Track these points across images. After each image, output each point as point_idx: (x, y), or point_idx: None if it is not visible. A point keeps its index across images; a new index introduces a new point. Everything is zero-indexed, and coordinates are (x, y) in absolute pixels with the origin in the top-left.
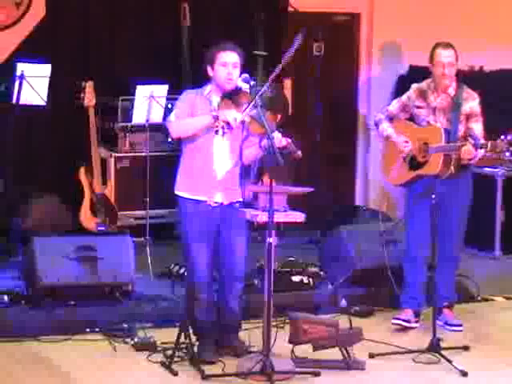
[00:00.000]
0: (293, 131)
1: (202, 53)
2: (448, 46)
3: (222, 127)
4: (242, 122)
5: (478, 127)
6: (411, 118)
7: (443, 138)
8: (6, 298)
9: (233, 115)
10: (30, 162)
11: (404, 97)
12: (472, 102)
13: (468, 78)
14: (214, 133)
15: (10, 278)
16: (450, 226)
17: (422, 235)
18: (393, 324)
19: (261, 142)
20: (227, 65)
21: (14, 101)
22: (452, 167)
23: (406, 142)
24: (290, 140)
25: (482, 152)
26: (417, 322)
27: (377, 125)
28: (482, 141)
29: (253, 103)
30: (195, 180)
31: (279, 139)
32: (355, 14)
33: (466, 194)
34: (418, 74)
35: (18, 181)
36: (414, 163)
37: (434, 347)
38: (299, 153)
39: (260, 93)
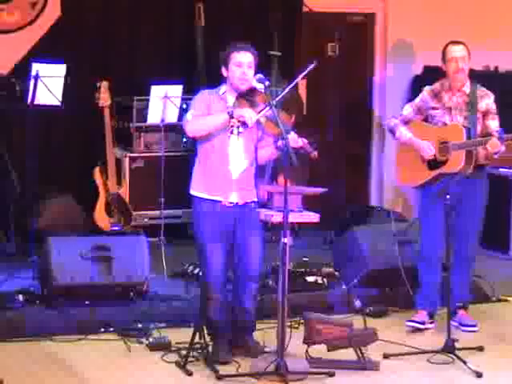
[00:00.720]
0: (308, 131)
1: (216, 53)
2: (458, 42)
3: (238, 127)
4: (258, 123)
5: (494, 124)
6: (425, 120)
7: (464, 135)
8: (21, 297)
9: (249, 114)
10: (46, 163)
11: (417, 100)
12: (487, 100)
13: (483, 78)
14: (229, 133)
15: (26, 277)
16: (465, 227)
17: (436, 235)
18: (407, 326)
19: (276, 143)
20: (242, 65)
21: (29, 101)
22: (472, 166)
23: (430, 146)
24: (306, 140)
25: (503, 148)
26: (431, 323)
27: (392, 131)
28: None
29: (269, 105)
30: (210, 180)
31: (295, 139)
32: (370, 14)
33: (482, 195)
34: (432, 73)
35: (34, 181)
36: (432, 163)
37: (449, 348)
38: (315, 153)
39: (277, 98)
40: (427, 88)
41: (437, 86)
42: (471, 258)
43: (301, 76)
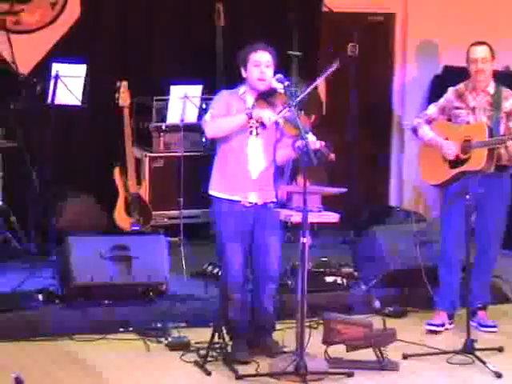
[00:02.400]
0: (328, 131)
1: (236, 53)
2: (481, 43)
3: (256, 127)
4: (276, 123)
5: None
6: (449, 120)
7: (487, 133)
8: (40, 297)
9: (267, 114)
10: (65, 162)
11: (442, 100)
12: None
13: (503, 79)
14: (248, 133)
15: (46, 277)
16: (488, 227)
17: (457, 235)
18: (427, 330)
19: (294, 144)
20: (260, 64)
21: (49, 101)
22: (493, 164)
23: (451, 146)
24: (323, 143)
25: None
26: (451, 323)
27: (415, 130)
28: None
29: (287, 107)
30: (230, 180)
31: (313, 142)
32: (390, 14)
33: (504, 195)
34: (452, 74)
35: (53, 180)
36: (454, 161)
37: (468, 348)
38: (332, 155)
39: (296, 100)
40: (452, 88)
41: (461, 86)
42: (493, 259)
43: (323, 76)
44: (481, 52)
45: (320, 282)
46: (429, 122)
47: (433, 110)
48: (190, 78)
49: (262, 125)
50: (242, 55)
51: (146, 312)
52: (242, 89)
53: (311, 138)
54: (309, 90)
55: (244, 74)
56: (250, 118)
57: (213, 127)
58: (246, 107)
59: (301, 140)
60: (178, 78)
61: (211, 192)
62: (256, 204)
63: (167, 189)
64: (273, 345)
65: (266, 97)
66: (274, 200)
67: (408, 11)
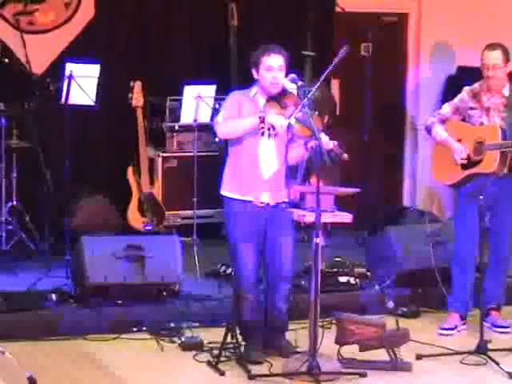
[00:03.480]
0: (342, 131)
1: (249, 53)
2: (495, 47)
3: (269, 129)
4: (288, 124)
5: None
6: (463, 120)
7: (500, 135)
8: (55, 297)
9: (279, 121)
10: (79, 162)
11: (456, 99)
12: None
13: None
14: (260, 134)
15: (60, 277)
16: (501, 227)
17: (471, 236)
18: (439, 334)
19: (306, 144)
20: (273, 69)
21: (63, 101)
22: (505, 167)
23: (462, 150)
24: (336, 143)
25: None
26: (464, 324)
27: (428, 129)
28: None
29: (299, 107)
30: (242, 180)
31: (326, 142)
32: (403, 14)
33: None
34: (466, 74)
35: (67, 181)
36: (467, 162)
37: (482, 349)
38: (345, 155)
39: (309, 95)
40: (467, 88)
41: (476, 86)
42: (507, 259)
43: (334, 64)
44: (491, 59)
45: (333, 282)
46: (442, 121)
47: (447, 109)
48: (203, 78)
49: (274, 128)
50: (254, 57)
51: (160, 312)
52: (253, 90)
53: (324, 138)
54: (321, 80)
55: (255, 76)
56: (262, 122)
57: (224, 129)
58: (257, 109)
59: (313, 140)
60: (191, 78)
61: (223, 192)
62: (268, 204)
63: (180, 189)
64: (286, 345)
65: (278, 98)
66: (286, 200)
67: (422, 11)
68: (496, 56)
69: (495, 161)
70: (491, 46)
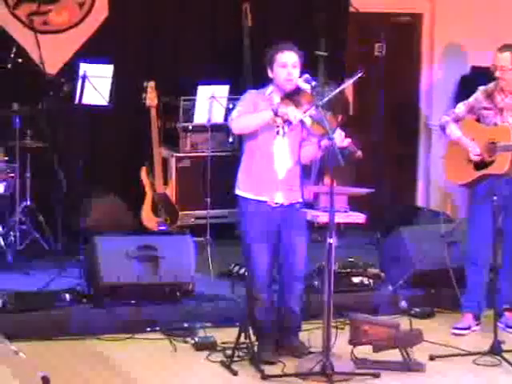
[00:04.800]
0: (355, 131)
1: (263, 53)
2: (504, 49)
3: (283, 127)
4: (302, 122)
5: None
6: (477, 120)
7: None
8: (68, 296)
9: (293, 112)
10: (93, 162)
11: (471, 99)
12: None
13: None
14: (275, 133)
15: (73, 277)
16: None
17: (484, 236)
18: (453, 333)
19: (320, 142)
20: (286, 65)
21: (77, 101)
22: None
23: (476, 148)
24: (350, 140)
25: None
26: (477, 324)
27: (443, 127)
28: None
29: (313, 105)
30: (256, 180)
31: (341, 139)
32: (417, 14)
33: None
34: (480, 74)
35: (81, 180)
36: (479, 163)
37: (496, 349)
38: (360, 153)
39: (323, 102)
40: (481, 88)
41: (491, 86)
42: None
43: (347, 84)
44: (501, 60)
45: (346, 283)
46: (456, 120)
47: (461, 108)
48: (217, 78)
49: (289, 123)
50: (268, 56)
51: (173, 312)
52: (269, 89)
53: (339, 134)
54: (333, 93)
55: (270, 75)
56: (276, 114)
57: (239, 123)
58: (271, 105)
59: (327, 139)
60: (205, 78)
61: (237, 192)
62: (282, 204)
63: (194, 189)
64: (299, 345)
65: (292, 96)
66: (300, 200)
67: (435, 11)
68: (505, 58)
69: (507, 162)
70: (502, 48)
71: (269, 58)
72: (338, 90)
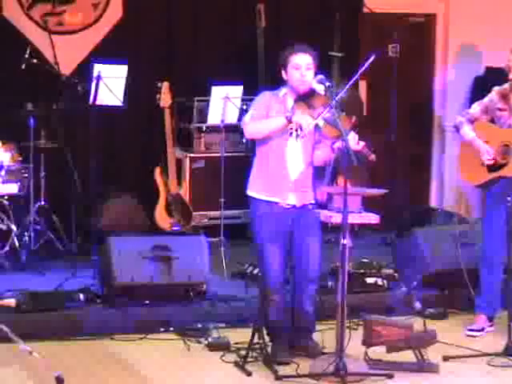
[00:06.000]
0: (369, 132)
1: (277, 53)
2: None
3: (296, 130)
4: (316, 125)
5: None
6: (492, 121)
7: None
8: (82, 297)
9: (307, 120)
10: (107, 162)
11: (486, 99)
12: None
13: None
14: (288, 135)
15: (87, 277)
16: None
17: (499, 237)
18: (468, 336)
19: (333, 145)
20: (300, 67)
21: (91, 101)
22: None
23: (489, 151)
24: (364, 143)
25: None
26: (491, 326)
27: (457, 128)
28: None
29: (327, 108)
30: (268, 181)
31: (355, 142)
32: (431, 14)
33: None
34: (494, 75)
35: (95, 181)
36: (492, 164)
37: (510, 350)
38: (373, 156)
39: (336, 98)
40: (496, 88)
41: (506, 86)
42: None
43: (361, 70)
44: (509, 61)
45: (360, 283)
46: (471, 121)
47: (476, 109)
48: (230, 79)
49: (301, 128)
50: (281, 57)
51: (187, 312)
52: (282, 90)
53: (352, 137)
54: (349, 85)
55: (284, 76)
56: (290, 122)
57: (252, 128)
58: (286, 110)
59: (341, 142)
60: (219, 79)
61: (249, 192)
62: (294, 206)
63: (208, 189)
64: (313, 345)
65: (306, 99)
66: (313, 202)
67: (449, 11)
68: None
69: None
70: None
71: (283, 60)
72: (351, 81)
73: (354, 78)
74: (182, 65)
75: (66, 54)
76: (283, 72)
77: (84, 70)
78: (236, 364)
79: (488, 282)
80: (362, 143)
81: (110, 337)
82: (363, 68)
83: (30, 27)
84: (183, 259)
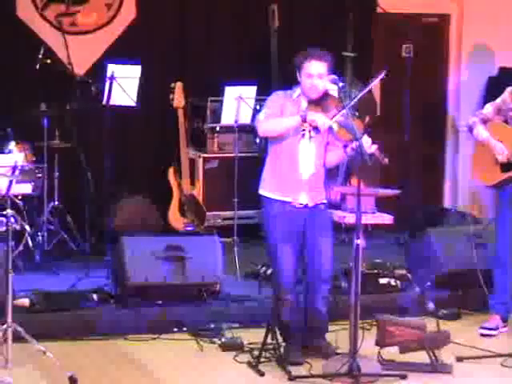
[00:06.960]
0: (382, 132)
1: (290, 54)
2: None
3: (309, 131)
4: (330, 127)
5: None
6: (506, 122)
7: None
8: (95, 297)
9: (322, 119)
10: (120, 163)
11: (499, 100)
12: None
13: None
14: (300, 135)
15: (100, 277)
16: None
17: None
18: (481, 334)
19: (346, 147)
20: (312, 76)
21: (105, 102)
22: None
23: (503, 150)
24: (376, 146)
25: None
26: (505, 326)
27: (470, 128)
28: None
29: (341, 111)
30: (281, 181)
31: (368, 144)
32: (445, 14)
33: None
34: (507, 75)
35: (108, 181)
36: (506, 165)
37: None
38: (386, 160)
39: (349, 105)
40: (509, 89)
41: None
42: None
43: (372, 85)
44: None
45: (374, 284)
46: (484, 121)
47: (489, 109)
48: (244, 79)
49: (316, 128)
50: (296, 61)
51: (200, 312)
52: (297, 91)
53: (366, 140)
54: (359, 95)
55: (299, 79)
56: (304, 121)
57: (266, 126)
58: (299, 111)
59: (355, 143)
60: (232, 79)
61: (262, 192)
62: (307, 205)
63: (221, 189)
64: (326, 346)
65: (319, 100)
66: (325, 201)
67: (463, 12)
68: None
69: None
70: None
71: (297, 64)
72: (363, 93)
73: (363, 92)
74: (196, 65)
75: (79, 55)
76: (298, 74)
77: (98, 71)
78: (249, 364)
79: (501, 283)
80: (375, 146)
81: (123, 337)
82: (372, 84)
83: (44, 27)
84: (196, 259)
